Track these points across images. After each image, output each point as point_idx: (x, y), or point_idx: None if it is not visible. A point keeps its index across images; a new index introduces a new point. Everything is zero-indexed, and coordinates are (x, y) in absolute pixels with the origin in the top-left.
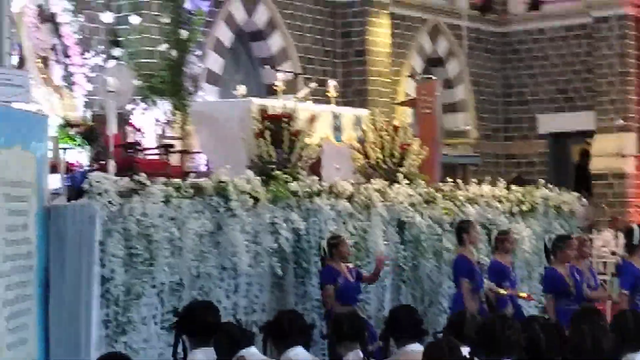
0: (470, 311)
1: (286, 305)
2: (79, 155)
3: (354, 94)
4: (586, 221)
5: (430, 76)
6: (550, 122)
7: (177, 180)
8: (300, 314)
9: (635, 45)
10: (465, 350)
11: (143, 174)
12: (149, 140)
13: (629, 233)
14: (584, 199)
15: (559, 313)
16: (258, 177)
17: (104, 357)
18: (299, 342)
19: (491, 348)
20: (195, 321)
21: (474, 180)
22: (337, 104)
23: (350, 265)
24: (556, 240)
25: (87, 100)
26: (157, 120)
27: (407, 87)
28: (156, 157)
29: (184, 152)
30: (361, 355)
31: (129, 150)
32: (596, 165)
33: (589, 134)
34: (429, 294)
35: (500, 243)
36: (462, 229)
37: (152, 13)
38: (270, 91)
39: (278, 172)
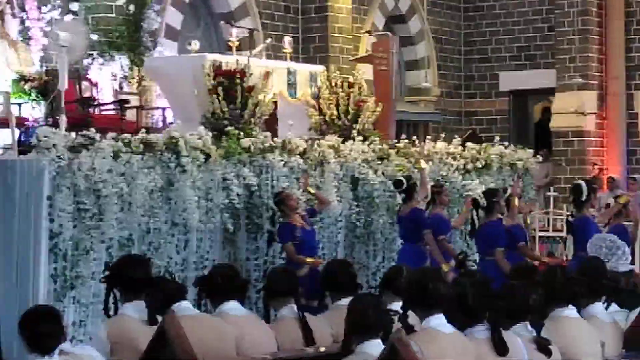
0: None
1: (237, 260)
2: (34, 110)
3: (315, 50)
4: (545, 178)
5: (386, 32)
6: (512, 80)
7: (127, 136)
8: (236, 269)
9: (596, 2)
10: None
11: (93, 129)
12: (105, 96)
13: (576, 189)
14: (539, 157)
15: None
16: (210, 133)
17: (31, 310)
18: (234, 297)
19: (421, 302)
20: (125, 275)
21: (428, 137)
22: (298, 60)
23: (302, 212)
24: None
25: (44, 54)
26: (114, 76)
27: (368, 44)
28: (112, 112)
29: (140, 108)
30: (295, 309)
31: (83, 105)
32: (556, 123)
33: (550, 91)
34: (382, 250)
35: (438, 196)
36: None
37: None
38: (230, 47)
39: (230, 129)
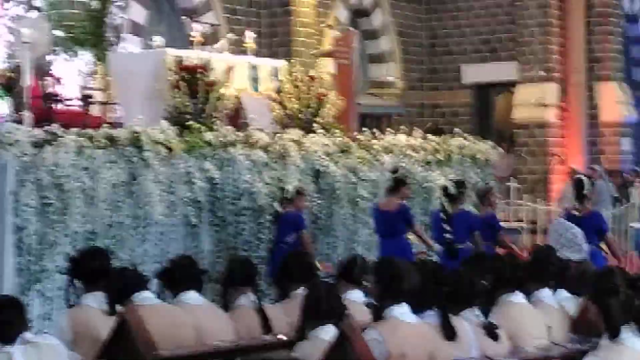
0: None
1: (200, 253)
2: None
3: (279, 45)
4: (507, 170)
5: (347, 27)
6: (474, 73)
7: (90, 131)
8: (193, 259)
9: None
10: (355, 294)
11: (56, 124)
12: (69, 91)
13: (578, 184)
14: (500, 149)
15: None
16: (172, 128)
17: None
18: (192, 287)
19: (384, 291)
20: (84, 266)
21: (388, 129)
22: (262, 55)
23: None
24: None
25: (9, 51)
26: (79, 71)
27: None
28: (76, 108)
29: (104, 103)
30: (253, 298)
31: (47, 101)
32: (518, 114)
33: (512, 84)
34: (343, 242)
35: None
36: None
37: None
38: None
39: (193, 123)
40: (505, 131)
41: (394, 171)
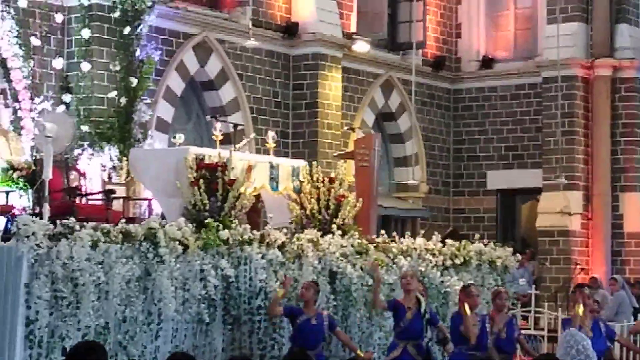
0: None
1: (213, 351)
2: (22, 199)
3: (304, 145)
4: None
5: (369, 129)
6: (500, 179)
7: (106, 225)
8: (192, 356)
9: (582, 105)
10: None
11: (73, 218)
12: (94, 186)
13: None
14: (518, 255)
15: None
16: (190, 225)
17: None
18: None
19: None
20: None
21: (407, 233)
22: (288, 155)
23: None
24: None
25: (35, 144)
26: (104, 166)
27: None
28: (98, 202)
29: (127, 199)
30: None
31: (69, 195)
32: (542, 222)
33: (537, 191)
34: (359, 344)
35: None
36: None
37: (103, 60)
38: (222, 142)
39: (210, 220)
40: (530, 238)
41: None
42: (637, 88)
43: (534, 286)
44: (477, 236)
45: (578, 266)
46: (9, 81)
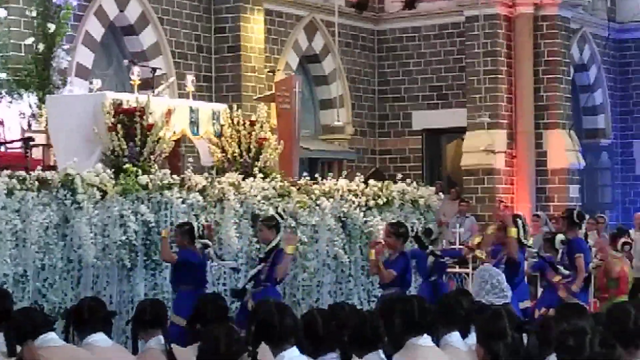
0: None
1: (135, 297)
2: None
3: (228, 89)
4: (451, 215)
5: (290, 71)
6: (424, 119)
7: (22, 173)
8: (102, 301)
9: (505, 44)
10: None
11: None
12: (13, 134)
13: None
14: (441, 194)
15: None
16: (108, 171)
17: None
18: (100, 329)
19: (271, 336)
20: None
21: (330, 174)
22: (211, 100)
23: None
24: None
25: None
26: (23, 114)
27: None
28: (17, 150)
29: (46, 146)
30: (162, 341)
31: None
32: (467, 161)
33: (462, 130)
34: (283, 287)
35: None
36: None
37: (19, 6)
38: (141, 86)
39: (129, 166)
40: (456, 177)
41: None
42: (559, 25)
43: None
44: (399, 176)
45: (502, 203)
46: None
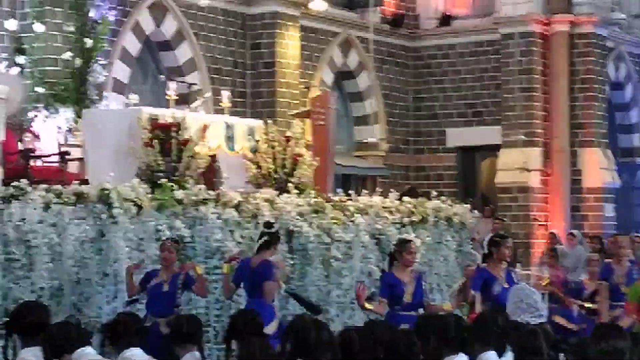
0: None
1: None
2: None
3: (263, 106)
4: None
5: (325, 88)
6: (459, 136)
7: (59, 187)
8: (138, 316)
9: (541, 61)
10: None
11: (25, 180)
12: (49, 148)
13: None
14: (475, 211)
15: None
16: (143, 185)
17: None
18: (136, 343)
19: (305, 351)
20: (22, 320)
21: (365, 191)
22: (247, 116)
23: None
24: (396, 244)
25: None
26: (59, 128)
27: None
28: (53, 164)
29: (82, 160)
30: (197, 356)
31: (24, 157)
32: (501, 179)
33: (497, 148)
34: (320, 301)
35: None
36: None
37: (57, 21)
38: (177, 102)
39: (164, 181)
40: (490, 195)
41: (269, 226)
42: (595, 43)
43: None
44: (434, 193)
45: (537, 222)
46: None
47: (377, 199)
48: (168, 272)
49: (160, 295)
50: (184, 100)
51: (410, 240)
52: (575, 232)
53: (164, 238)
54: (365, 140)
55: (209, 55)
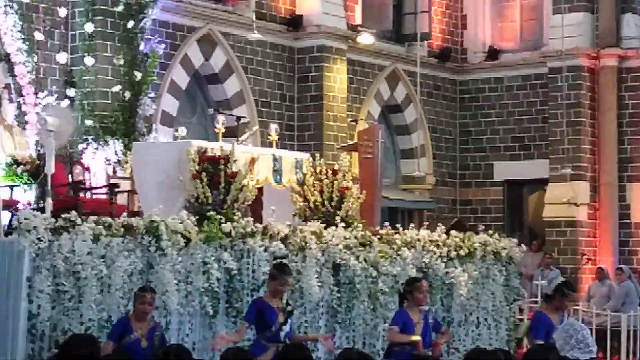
0: None
1: None
2: (26, 194)
3: (310, 138)
4: (537, 268)
5: (373, 121)
6: (506, 170)
7: (108, 219)
8: (187, 349)
9: (588, 95)
10: None
11: (74, 212)
12: (98, 180)
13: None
14: (523, 246)
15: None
16: (192, 218)
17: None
18: None
19: None
20: (73, 352)
21: (412, 225)
22: (293, 148)
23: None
24: (405, 284)
25: (39, 139)
26: (108, 160)
27: None
28: (103, 196)
29: (131, 192)
30: None
31: (73, 189)
32: (549, 213)
33: (544, 182)
34: (363, 336)
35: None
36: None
37: (107, 54)
38: (225, 134)
39: (212, 213)
40: (537, 229)
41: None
42: None
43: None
44: (481, 227)
45: (585, 257)
46: (13, 76)
47: (424, 233)
48: (143, 325)
49: (140, 352)
50: (231, 133)
51: (421, 279)
52: (623, 267)
53: (139, 287)
54: (411, 174)
55: (257, 88)
